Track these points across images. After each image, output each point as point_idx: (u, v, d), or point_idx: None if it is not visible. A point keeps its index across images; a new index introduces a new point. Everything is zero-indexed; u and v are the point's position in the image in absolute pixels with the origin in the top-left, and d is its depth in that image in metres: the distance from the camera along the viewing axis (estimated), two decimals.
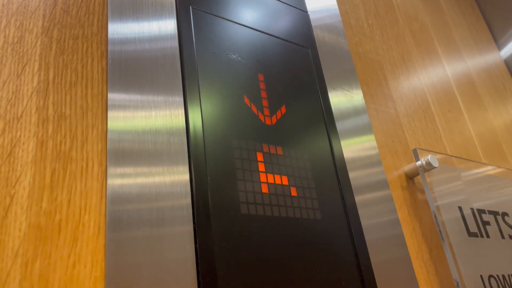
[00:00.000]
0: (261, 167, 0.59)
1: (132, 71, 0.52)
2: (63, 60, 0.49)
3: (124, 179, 0.46)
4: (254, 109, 0.63)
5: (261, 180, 0.58)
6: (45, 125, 0.44)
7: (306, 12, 0.83)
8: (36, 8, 0.50)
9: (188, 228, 0.47)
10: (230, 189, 0.54)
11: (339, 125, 0.73)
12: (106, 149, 0.47)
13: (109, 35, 0.53)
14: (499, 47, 1.64)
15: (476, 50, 1.48)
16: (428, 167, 0.80)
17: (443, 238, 0.75)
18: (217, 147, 0.56)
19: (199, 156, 0.53)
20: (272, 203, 0.57)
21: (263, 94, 0.66)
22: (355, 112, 0.78)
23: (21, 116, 0.43)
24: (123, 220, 0.44)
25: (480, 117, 1.25)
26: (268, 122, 0.64)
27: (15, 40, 0.47)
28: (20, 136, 0.42)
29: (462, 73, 1.31)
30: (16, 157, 0.41)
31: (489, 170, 0.99)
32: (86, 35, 0.52)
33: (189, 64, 0.59)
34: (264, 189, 0.58)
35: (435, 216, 0.77)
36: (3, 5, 0.48)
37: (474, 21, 1.59)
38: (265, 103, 0.65)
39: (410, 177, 0.84)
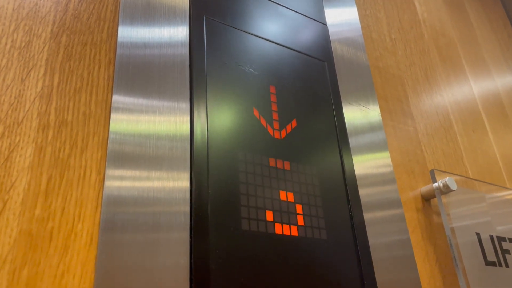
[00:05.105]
0: (267, 182, 0.58)
1: (140, 75, 0.52)
2: (70, 66, 0.49)
3: (122, 181, 0.45)
4: (263, 121, 0.62)
5: (266, 195, 0.57)
6: (45, 131, 0.44)
7: (325, 24, 0.81)
8: (47, 14, 0.50)
9: (184, 236, 0.46)
10: (232, 203, 0.53)
11: (352, 141, 0.71)
12: (106, 157, 0.46)
13: (119, 39, 0.52)
14: None
15: (506, 68, 1.43)
16: (446, 189, 0.76)
17: (457, 265, 0.71)
18: (221, 158, 0.55)
19: (202, 164, 0.52)
20: (276, 220, 0.56)
21: (274, 107, 0.64)
22: (370, 128, 0.76)
23: (22, 121, 0.43)
24: (118, 222, 0.43)
25: (507, 138, 1.19)
26: (277, 135, 0.62)
27: (23, 44, 0.47)
28: (19, 141, 0.42)
29: (489, 92, 1.26)
30: (13, 162, 0.41)
31: None
32: (95, 41, 0.52)
33: (198, 73, 0.58)
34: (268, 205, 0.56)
35: (450, 241, 0.74)
36: (13, 10, 0.48)
37: (505, 38, 1.54)
38: (275, 116, 0.64)
39: (427, 199, 0.81)
